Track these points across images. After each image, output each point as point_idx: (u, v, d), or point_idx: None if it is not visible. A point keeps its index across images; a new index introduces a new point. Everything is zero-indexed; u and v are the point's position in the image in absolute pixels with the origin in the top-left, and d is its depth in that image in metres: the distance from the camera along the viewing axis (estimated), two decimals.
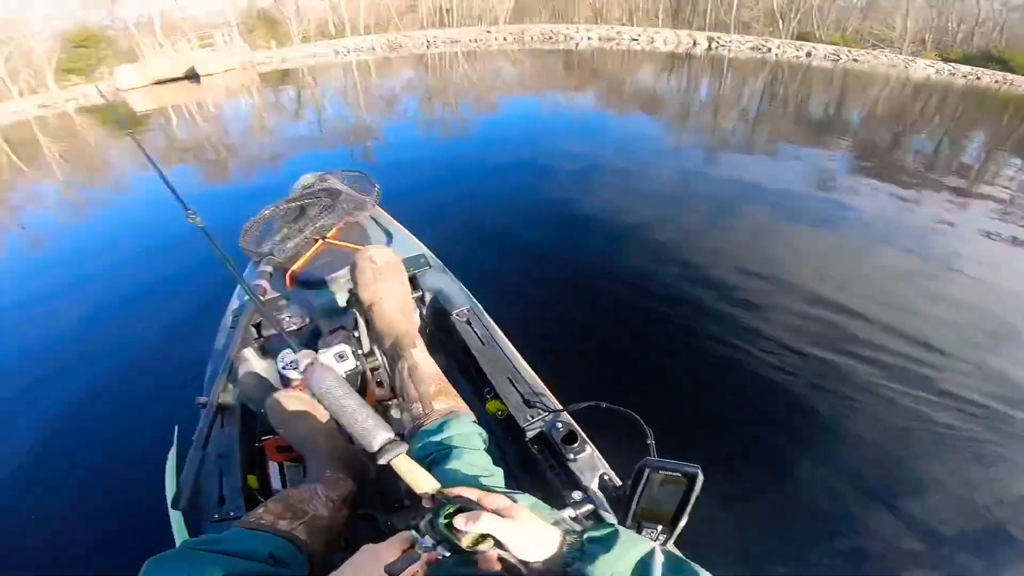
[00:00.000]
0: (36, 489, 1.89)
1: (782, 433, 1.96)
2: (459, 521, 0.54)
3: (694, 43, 17.19)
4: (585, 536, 0.59)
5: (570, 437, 1.10)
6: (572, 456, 1.06)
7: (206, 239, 1.20)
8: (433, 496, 0.61)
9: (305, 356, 0.75)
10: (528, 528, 0.56)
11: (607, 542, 0.57)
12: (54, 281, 3.40)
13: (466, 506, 0.57)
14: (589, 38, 19.31)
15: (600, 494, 1.01)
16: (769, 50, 16.05)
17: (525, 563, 0.56)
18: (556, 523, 0.62)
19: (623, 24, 25.64)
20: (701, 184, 4.63)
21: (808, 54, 15.75)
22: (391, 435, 0.64)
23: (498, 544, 0.55)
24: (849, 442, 1.92)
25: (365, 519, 1.22)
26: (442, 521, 0.56)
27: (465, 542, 0.54)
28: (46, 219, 4.78)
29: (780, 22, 19.11)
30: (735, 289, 2.84)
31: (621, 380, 2.21)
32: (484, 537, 0.55)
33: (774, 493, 1.75)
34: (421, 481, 0.62)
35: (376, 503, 1.28)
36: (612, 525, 0.61)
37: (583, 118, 7.37)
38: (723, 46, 16.61)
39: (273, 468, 1.17)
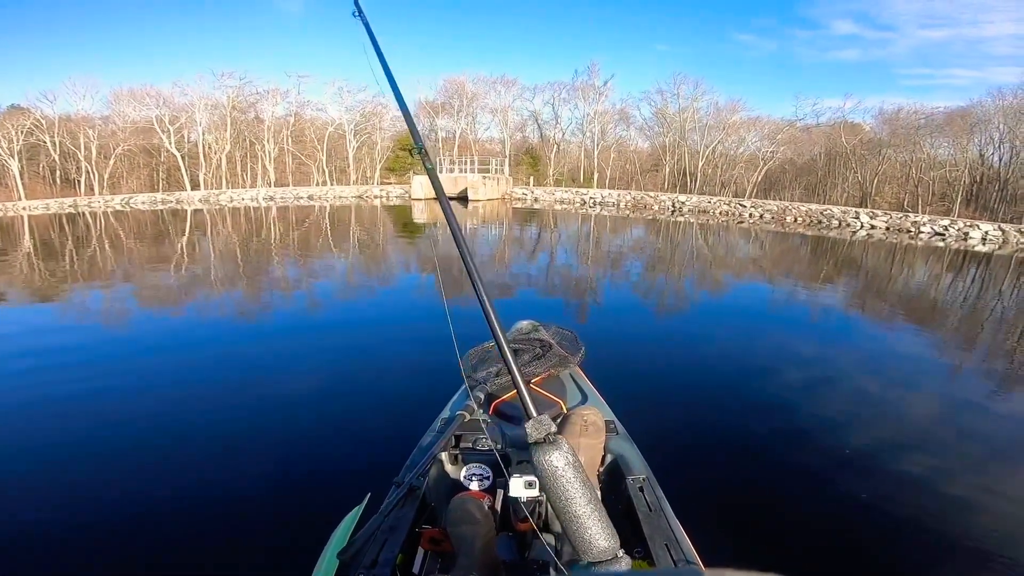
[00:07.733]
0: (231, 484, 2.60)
1: None
2: None
3: None
4: None
5: None
6: None
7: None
8: None
9: (540, 425, 0.97)
10: None
11: None
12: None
13: None
14: (873, 226, 18.15)
15: None
16: None
17: None
18: None
19: (904, 210, 23.46)
20: (987, 427, 3.61)
21: None
22: (616, 543, 0.70)
23: None
24: None
25: None
26: None
27: None
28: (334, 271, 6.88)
29: None
30: None
31: None
32: None
33: None
34: None
35: None
36: None
37: (825, 317, 6.81)
38: None
39: (419, 554, 1.43)
